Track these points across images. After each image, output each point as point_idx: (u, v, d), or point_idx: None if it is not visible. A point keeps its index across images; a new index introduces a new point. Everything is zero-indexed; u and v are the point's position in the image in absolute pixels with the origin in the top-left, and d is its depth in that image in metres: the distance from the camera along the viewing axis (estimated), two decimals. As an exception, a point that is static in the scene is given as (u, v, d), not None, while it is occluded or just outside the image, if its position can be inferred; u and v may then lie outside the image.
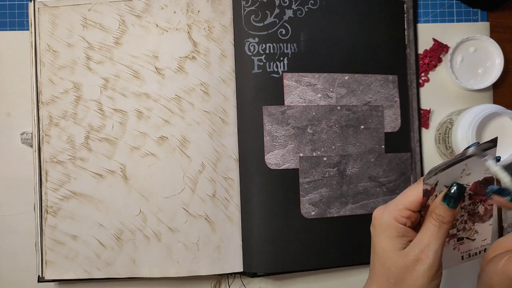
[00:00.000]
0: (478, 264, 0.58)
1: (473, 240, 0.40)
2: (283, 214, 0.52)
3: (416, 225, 0.37)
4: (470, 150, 0.33)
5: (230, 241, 0.52)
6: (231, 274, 0.54)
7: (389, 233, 0.36)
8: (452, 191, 0.34)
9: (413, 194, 0.35)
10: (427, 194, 0.35)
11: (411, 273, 0.35)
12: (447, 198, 0.34)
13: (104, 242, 0.52)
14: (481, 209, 0.38)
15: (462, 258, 0.40)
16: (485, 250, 0.40)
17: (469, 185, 0.36)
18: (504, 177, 0.33)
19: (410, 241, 0.36)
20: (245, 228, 0.52)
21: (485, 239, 0.40)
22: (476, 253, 0.41)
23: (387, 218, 0.36)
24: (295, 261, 0.52)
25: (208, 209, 0.52)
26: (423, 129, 0.57)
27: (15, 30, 0.56)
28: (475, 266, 0.56)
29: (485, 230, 0.39)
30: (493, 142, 0.34)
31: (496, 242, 0.37)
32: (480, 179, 0.36)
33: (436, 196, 0.35)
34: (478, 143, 0.38)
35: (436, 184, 0.35)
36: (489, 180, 0.36)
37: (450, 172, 0.34)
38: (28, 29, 0.55)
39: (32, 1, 0.53)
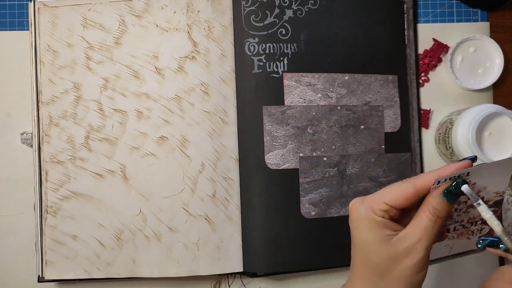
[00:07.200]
0: (474, 266, 0.58)
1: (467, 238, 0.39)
2: (283, 214, 0.52)
3: (395, 220, 0.36)
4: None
5: (230, 241, 0.52)
6: (231, 274, 0.54)
7: (369, 225, 0.35)
8: (453, 185, 0.33)
9: (396, 190, 0.35)
10: None
11: (398, 265, 0.34)
12: (447, 193, 0.33)
13: (104, 242, 0.52)
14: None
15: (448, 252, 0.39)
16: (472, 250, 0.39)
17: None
18: (495, 226, 0.31)
19: (393, 232, 0.35)
20: (245, 228, 0.52)
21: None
22: (466, 252, 0.39)
23: (364, 210, 0.35)
24: (295, 261, 0.52)
25: (208, 209, 0.52)
26: (423, 129, 0.57)
27: (15, 30, 0.56)
28: (473, 268, 0.56)
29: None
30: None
31: (500, 270, 0.35)
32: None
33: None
34: (476, 157, 0.36)
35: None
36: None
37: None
38: (28, 29, 0.55)
39: (32, 1, 0.53)
